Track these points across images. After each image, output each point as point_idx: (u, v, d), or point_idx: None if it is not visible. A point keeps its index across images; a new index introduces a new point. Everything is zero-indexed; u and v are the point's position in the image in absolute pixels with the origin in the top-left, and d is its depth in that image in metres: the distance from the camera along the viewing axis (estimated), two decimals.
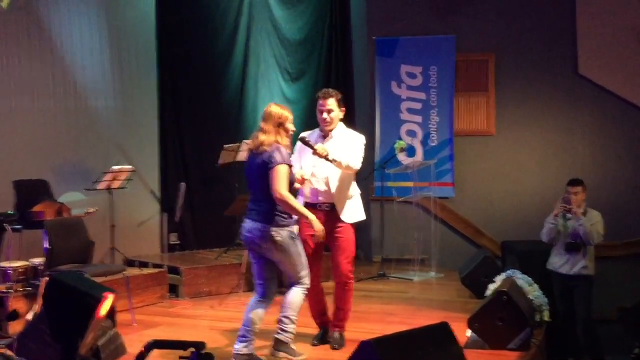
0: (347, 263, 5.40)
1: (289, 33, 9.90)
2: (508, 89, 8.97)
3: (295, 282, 4.98)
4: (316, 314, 5.58)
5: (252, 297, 5.05)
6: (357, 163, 5.35)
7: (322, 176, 5.35)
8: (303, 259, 4.98)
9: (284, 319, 4.95)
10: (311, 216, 4.94)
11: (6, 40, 8.02)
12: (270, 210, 4.84)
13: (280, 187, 4.74)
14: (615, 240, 8.14)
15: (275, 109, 4.96)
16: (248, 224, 4.92)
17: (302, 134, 5.49)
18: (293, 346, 5.01)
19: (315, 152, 5.19)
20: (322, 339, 5.54)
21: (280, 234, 4.83)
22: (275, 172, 4.75)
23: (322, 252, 5.46)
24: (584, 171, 7.88)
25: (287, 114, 4.95)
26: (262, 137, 4.88)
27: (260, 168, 4.82)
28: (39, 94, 8.27)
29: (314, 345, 5.47)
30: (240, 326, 4.98)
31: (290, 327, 4.96)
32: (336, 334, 5.49)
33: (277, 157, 4.76)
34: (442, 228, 8.77)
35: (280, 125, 4.90)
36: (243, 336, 4.89)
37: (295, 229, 4.93)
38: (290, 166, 4.86)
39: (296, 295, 4.98)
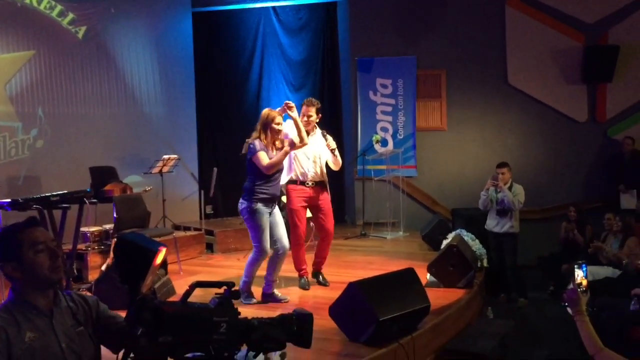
0: (331, 225, 5.42)
1: (293, 55, 9.85)
2: (456, 96, 8.94)
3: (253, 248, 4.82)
4: (299, 265, 5.44)
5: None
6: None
7: (311, 159, 5.27)
8: (259, 234, 4.71)
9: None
10: (288, 148, 4.76)
11: (82, 63, 8.02)
12: (247, 187, 4.75)
13: (264, 162, 4.63)
14: (535, 206, 8.18)
15: (264, 112, 4.83)
16: None
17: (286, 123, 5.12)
18: (276, 292, 4.95)
19: (328, 145, 5.19)
20: (308, 283, 5.47)
21: (242, 204, 4.74)
22: (257, 158, 4.66)
23: (305, 218, 5.39)
24: (512, 157, 7.88)
25: (273, 115, 4.75)
26: (253, 133, 4.82)
27: (246, 155, 4.78)
28: (107, 103, 8.27)
29: (307, 289, 5.39)
30: (257, 273, 4.93)
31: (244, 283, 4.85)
32: (321, 276, 5.53)
33: (252, 148, 4.67)
34: (407, 199, 8.78)
35: (266, 124, 4.73)
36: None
37: (258, 206, 4.69)
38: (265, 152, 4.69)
39: (249, 260, 4.84)
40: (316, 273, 5.57)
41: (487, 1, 8.78)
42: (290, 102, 4.95)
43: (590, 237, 6.91)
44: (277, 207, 4.93)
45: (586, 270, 2.73)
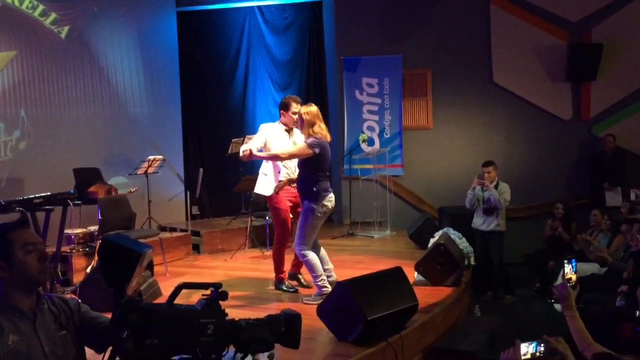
0: None
1: (278, 55, 9.83)
2: (441, 95, 8.97)
3: None
4: (280, 267, 5.32)
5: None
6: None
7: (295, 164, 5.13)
8: (305, 231, 4.72)
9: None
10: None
11: (66, 64, 7.94)
12: None
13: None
14: (521, 204, 8.22)
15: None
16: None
17: (264, 125, 5.31)
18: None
19: None
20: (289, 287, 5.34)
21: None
22: None
23: (290, 219, 5.27)
24: (497, 155, 7.91)
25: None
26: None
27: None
28: (91, 103, 8.19)
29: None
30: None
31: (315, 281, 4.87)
32: (302, 278, 5.40)
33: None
34: (394, 198, 8.79)
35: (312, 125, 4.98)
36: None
37: (317, 205, 4.70)
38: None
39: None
40: (293, 274, 5.40)
41: (472, 0, 8.81)
42: None
43: (575, 235, 6.96)
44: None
45: (575, 265, 2.73)
